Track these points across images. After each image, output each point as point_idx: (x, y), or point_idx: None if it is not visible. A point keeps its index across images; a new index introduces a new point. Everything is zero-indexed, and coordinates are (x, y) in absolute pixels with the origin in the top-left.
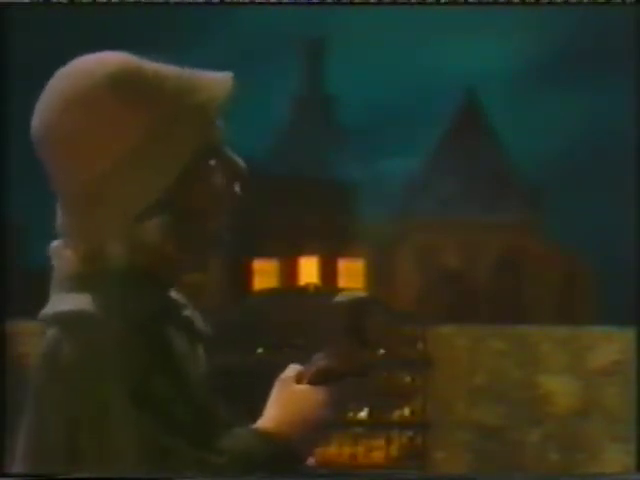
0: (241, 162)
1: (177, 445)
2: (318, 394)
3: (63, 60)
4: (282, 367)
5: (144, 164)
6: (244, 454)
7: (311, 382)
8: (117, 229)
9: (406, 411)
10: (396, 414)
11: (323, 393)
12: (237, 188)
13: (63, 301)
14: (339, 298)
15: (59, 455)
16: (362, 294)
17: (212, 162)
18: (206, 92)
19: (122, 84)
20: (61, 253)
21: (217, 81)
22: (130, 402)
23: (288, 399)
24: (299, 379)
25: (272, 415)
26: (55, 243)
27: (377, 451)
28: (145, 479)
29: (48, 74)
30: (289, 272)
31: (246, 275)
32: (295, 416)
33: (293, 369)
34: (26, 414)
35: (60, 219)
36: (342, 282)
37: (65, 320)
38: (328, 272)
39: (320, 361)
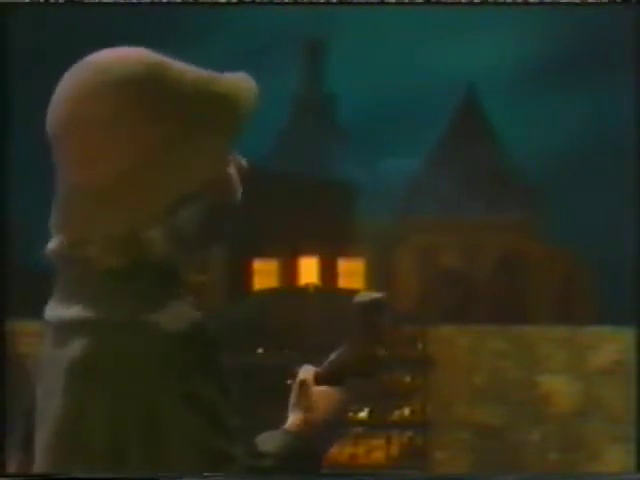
0: (245, 163)
1: (233, 450)
2: (340, 393)
3: (63, 60)
4: (283, 367)
5: (180, 156)
6: (287, 456)
7: (330, 381)
8: (152, 218)
9: (406, 411)
10: (396, 414)
11: (343, 392)
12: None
13: (88, 305)
14: (359, 298)
15: (107, 458)
16: (379, 294)
17: (230, 157)
18: (233, 92)
19: (150, 80)
20: (71, 252)
21: (241, 82)
22: (184, 406)
23: (311, 400)
24: (317, 379)
25: (298, 418)
26: (54, 243)
27: (377, 451)
28: (149, 479)
29: (48, 74)
30: (289, 272)
31: (246, 275)
32: (320, 417)
33: (308, 370)
34: (48, 415)
35: (72, 216)
36: (342, 282)
37: (100, 327)
38: (328, 272)
39: (337, 360)
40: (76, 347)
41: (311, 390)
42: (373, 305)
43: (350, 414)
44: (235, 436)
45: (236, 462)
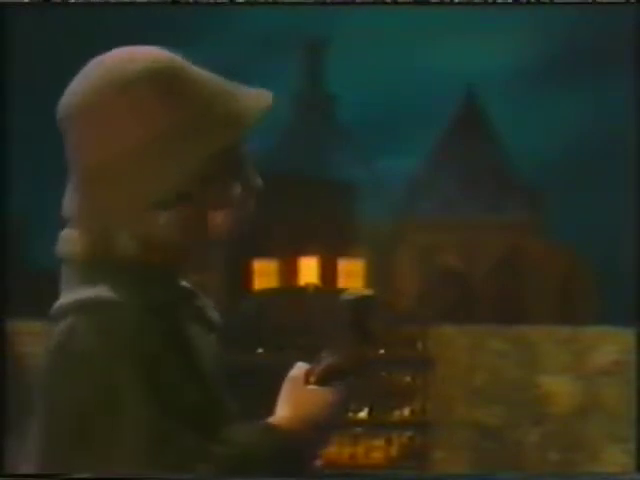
0: (259, 180)
1: (179, 430)
2: (328, 394)
3: (63, 61)
4: (283, 367)
5: (164, 155)
6: (248, 446)
7: (319, 381)
8: (127, 215)
9: (406, 411)
10: (396, 414)
11: (332, 392)
12: (250, 204)
13: (75, 291)
14: (345, 296)
15: (72, 442)
16: (367, 292)
17: (234, 171)
18: (242, 104)
19: (161, 78)
20: (72, 239)
21: (256, 96)
22: (138, 387)
23: (299, 399)
24: (307, 378)
25: (284, 414)
26: (66, 231)
27: (377, 451)
28: (147, 479)
29: (47, 75)
30: (289, 272)
31: (246, 275)
32: (307, 416)
33: (301, 367)
34: (36, 414)
35: (72, 202)
36: (342, 282)
37: (79, 308)
38: (328, 272)
39: (327, 359)
40: (51, 338)
41: (300, 389)
42: (359, 303)
43: (349, 414)
44: (192, 419)
45: (186, 444)
